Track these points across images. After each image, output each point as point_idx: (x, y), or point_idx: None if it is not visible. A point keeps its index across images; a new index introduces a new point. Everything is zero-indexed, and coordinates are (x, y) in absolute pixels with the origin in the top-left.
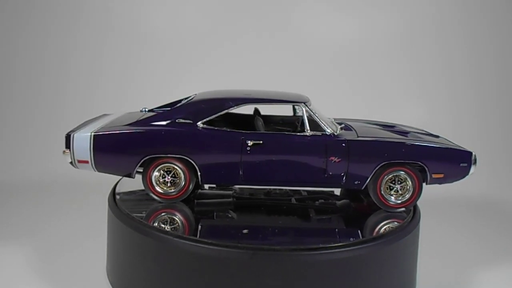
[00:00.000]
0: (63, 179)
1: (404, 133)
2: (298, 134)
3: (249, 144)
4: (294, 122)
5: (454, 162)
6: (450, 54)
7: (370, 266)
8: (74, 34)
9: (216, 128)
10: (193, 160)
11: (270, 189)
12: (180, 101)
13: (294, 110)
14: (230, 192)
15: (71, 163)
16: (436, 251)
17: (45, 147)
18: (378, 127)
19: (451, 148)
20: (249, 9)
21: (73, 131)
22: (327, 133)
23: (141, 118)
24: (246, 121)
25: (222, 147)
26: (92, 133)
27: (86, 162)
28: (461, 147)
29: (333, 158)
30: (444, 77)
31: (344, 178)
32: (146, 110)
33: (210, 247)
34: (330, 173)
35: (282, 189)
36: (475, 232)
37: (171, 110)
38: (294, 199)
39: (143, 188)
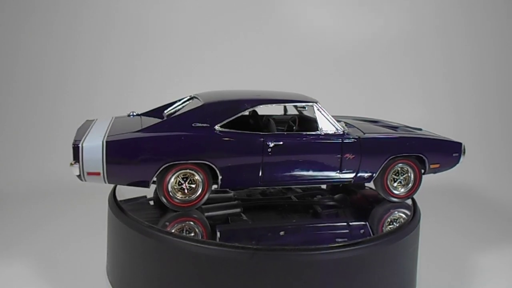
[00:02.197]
0: (63, 179)
1: (394, 127)
2: (313, 133)
3: (270, 146)
4: (287, 121)
5: (448, 152)
6: (451, 55)
7: (370, 266)
8: (72, 37)
9: (235, 131)
10: (214, 165)
11: (263, 188)
12: (173, 103)
13: (285, 109)
14: (231, 194)
15: (78, 176)
16: (436, 251)
17: (43, 148)
18: (369, 123)
19: (445, 140)
20: (248, 10)
21: (78, 141)
22: (339, 131)
23: (154, 123)
24: (244, 121)
25: (244, 150)
26: (105, 141)
27: (97, 174)
28: (451, 139)
29: (347, 155)
30: (445, 77)
31: (355, 173)
32: (135, 114)
33: (210, 247)
34: (344, 170)
35: (275, 188)
36: (475, 232)
37: (185, 114)
38: (294, 197)
39: (143, 188)
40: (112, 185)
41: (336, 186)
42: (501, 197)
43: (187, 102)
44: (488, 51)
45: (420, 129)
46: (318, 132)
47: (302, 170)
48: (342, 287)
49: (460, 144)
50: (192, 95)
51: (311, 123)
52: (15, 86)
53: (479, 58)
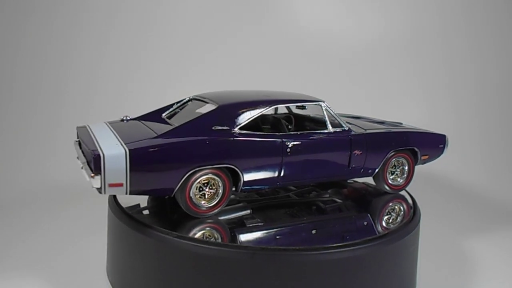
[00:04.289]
0: (63, 179)
1: (381, 122)
2: (325, 131)
3: (289, 146)
4: (280, 120)
5: (435, 144)
6: (452, 56)
7: (370, 266)
8: (71, 40)
9: (255, 133)
10: (237, 168)
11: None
12: (171, 105)
13: (276, 109)
14: (233, 196)
15: (99, 188)
16: (436, 251)
17: (43, 149)
18: (355, 119)
19: (432, 133)
20: (246, 10)
21: (95, 150)
22: (345, 129)
23: (172, 128)
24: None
25: (265, 151)
26: (127, 150)
27: (120, 185)
28: (435, 131)
29: (356, 151)
30: (446, 78)
31: (362, 168)
32: (129, 118)
33: (210, 247)
34: (353, 165)
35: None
36: (475, 232)
37: (204, 117)
38: (293, 195)
39: (137, 197)
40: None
41: (323, 182)
42: (501, 197)
43: (186, 104)
44: (488, 51)
45: (401, 123)
46: (328, 130)
47: (317, 168)
48: (342, 287)
49: (444, 136)
50: (191, 97)
51: (306, 121)
52: (14, 86)
53: (479, 58)
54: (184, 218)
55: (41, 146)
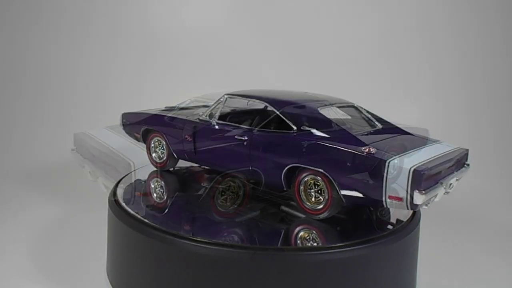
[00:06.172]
0: (64, 180)
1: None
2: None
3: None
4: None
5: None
6: (440, 56)
7: (370, 266)
8: (82, 40)
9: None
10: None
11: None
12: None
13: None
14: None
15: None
16: (436, 251)
17: (43, 149)
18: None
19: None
20: (250, 13)
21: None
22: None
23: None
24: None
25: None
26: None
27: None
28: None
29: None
30: (435, 77)
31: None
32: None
33: (210, 247)
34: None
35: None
36: (475, 233)
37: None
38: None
39: (141, 187)
40: (112, 185)
41: None
42: (500, 196)
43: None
44: (477, 51)
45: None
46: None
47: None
48: (342, 287)
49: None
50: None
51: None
52: (23, 86)
53: (469, 58)
54: (188, 220)
55: (41, 146)
